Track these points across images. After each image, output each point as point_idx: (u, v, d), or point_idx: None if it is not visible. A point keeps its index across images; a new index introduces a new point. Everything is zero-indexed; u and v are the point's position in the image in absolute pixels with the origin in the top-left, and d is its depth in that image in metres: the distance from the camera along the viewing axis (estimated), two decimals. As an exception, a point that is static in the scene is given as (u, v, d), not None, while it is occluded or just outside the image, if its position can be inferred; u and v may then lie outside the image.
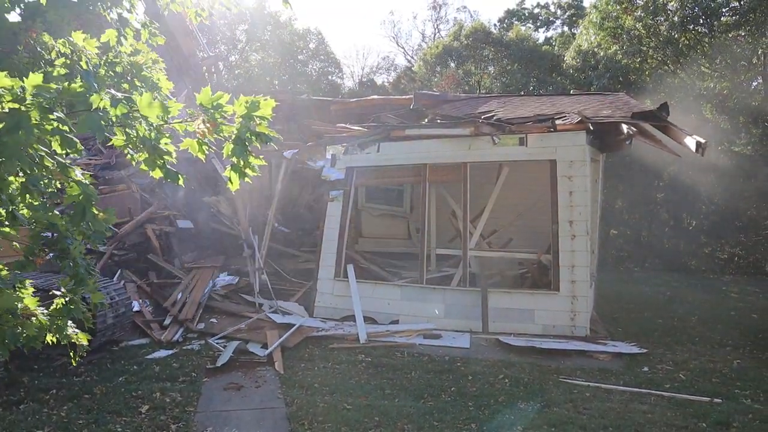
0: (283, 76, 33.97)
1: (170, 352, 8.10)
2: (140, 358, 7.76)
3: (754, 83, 20.46)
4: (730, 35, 19.50)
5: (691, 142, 8.41)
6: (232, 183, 2.64)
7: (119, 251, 10.50)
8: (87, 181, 2.56)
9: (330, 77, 36.03)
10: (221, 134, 2.56)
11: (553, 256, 9.21)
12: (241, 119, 2.55)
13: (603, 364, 7.88)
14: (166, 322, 9.09)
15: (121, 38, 3.34)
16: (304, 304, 10.21)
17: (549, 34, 36.72)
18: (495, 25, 35.70)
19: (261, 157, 2.81)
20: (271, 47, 34.49)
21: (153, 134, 2.30)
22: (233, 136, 2.56)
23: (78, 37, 3.33)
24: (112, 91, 2.43)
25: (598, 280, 12.58)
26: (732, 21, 19.50)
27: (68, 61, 3.20)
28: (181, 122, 2.47)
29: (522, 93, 18.10)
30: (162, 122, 2.41)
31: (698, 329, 9.96)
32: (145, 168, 2.53)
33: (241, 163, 2.55)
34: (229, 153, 2.57)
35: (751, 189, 16.57)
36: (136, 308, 9.16)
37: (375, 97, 16.02)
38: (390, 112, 12.57)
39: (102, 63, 3.55)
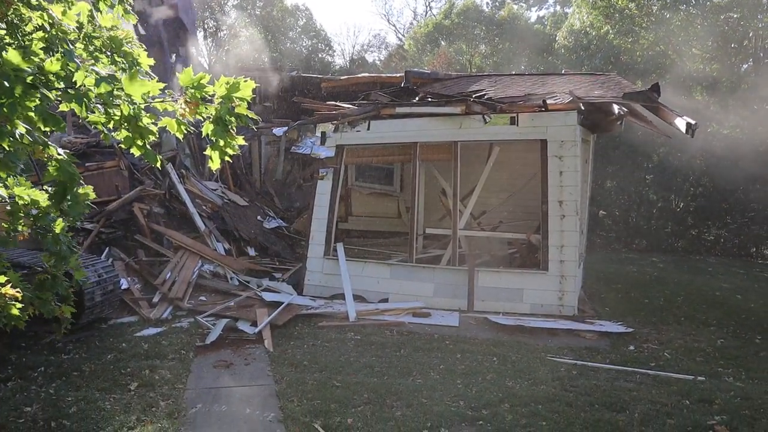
0: (273, 53, 33.56)
1: (159, 329, 8.09)
2: (129, 336, 7.75)
3: (745, 66, 20.47)
4: (721, 17, 19.45)
5: (681, 123, 8.43)
6: (212, 162, 2.61)
7: (107, 229, 10.42)
8: (67, 159, 2.52)
9: (320, 55, 35.67)
10: (201, 114, 2.52)
11: (542, 235, 9.25)
12: (221, 100, 2.52)
13: (590, 342, 7.97)
14: (155, 299, 9.08)
15: (94, 11, 3.23)
16: (294, 283, 10.21)
17: (541, 13, 36.64)
18: (487, 3, 35.43)
19: (242, 136, 2.79)
20: (260, 23, 34.04)
21: (135, 112, 2.26)
22: (213, 117, 2.52)
23: (57, 9, 3.24)
24: (96, 69, 2.37)
25: (587, 260, 12.68)
26: (723, 2, 19.44)
27: (46, 35, 3.10)
28: (162, 101, 2.42)
29: (513, 72, 17.99)
30: (144, 101, 2.37)
31: (684, 309, 10.08)
32: (125, 146, 2.49)
33: (221, 143, 2.52)
34: (209, 133, 2.54)
35: (739, 172, 16.65)
36: (124, 286, 9.12)
37: (365, 75, 15.89)
38: (381, 90, 12.48)
39: (81, 37, 3.46)
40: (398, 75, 14.26)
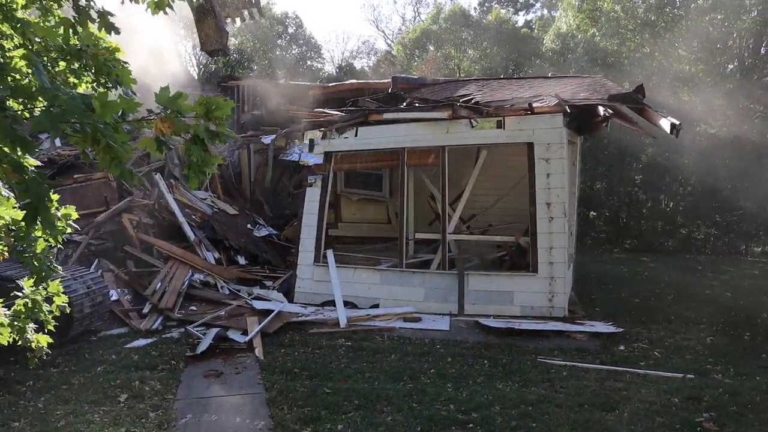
0: (262, 61, 33.58)
1: (149, 340, 8.06)
2: (119, 348, 7.72)
3: (730, 66, 20.68)
4: (706, 18, 19.66)
5: (665, 123, 8.51)
6: (190, 181, 2.62)
7: (96, 240, 10.38)
8: (37, 180, 2.51)
9: (309, 62, 35.73)
10: (180, 134, 2.52)
11: (531, 238, 9.29)
12: (201, 119, 2.52)
13: (580, 343, 8.00)
14: (145, 310, 9.04)
15: (78, 27, 3.23)
16: (285, 291, 10.19)
17: (529, 17, 36.86)
18: (475, 8, 35.66)
19: (222, 156, 2.80)
20: (249, 32, 34.06)
21: (109, 133, 2.25)
22: (191, 135, 2.53)
23: (39, 28, 3.24)
24: (66, 89, 2.37)
25: (577, 261, 12.73)
26: (708, 4, 19.66)
27: (27, 52, 3.11)
28: (140, 121, 2.43)
29: (501, 77, 18.11)
30: (120, 121, 2.37)
31: (674, 308, 10.14)
32: (100, 167, 2.49)
33: (199, 161, 2.52)
34: (186, 152, 2.55)
35: (726, 170, 16.81)
36: (114, 297, 9.09)
37: (353, 81, 15.96)
38: (368, 97, 12.51)
39: (64, 55, 3.46)
40: (386, 81, 14.31)
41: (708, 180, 17.10)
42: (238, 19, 11.37)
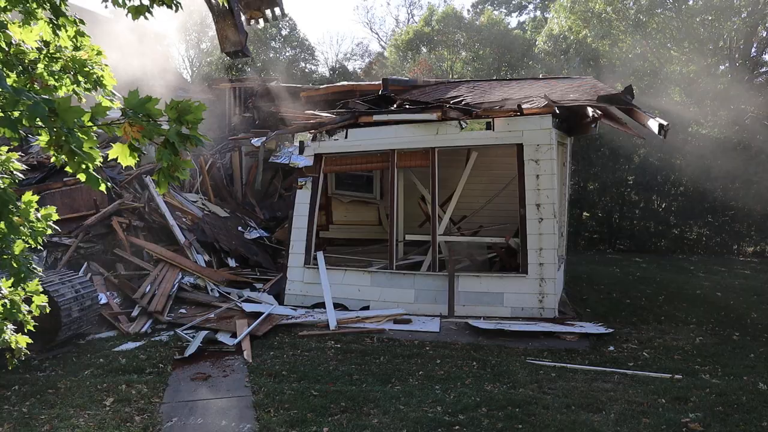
0: (256, 64, 33.55)
1: (138, 343, 8.02)
2: (107, 351, 7.68)
3: (721, 67, 20.78)
4: (697, 19, 19.74)
5: (654, 124, 8.53)
6: (160, 186, 2.59)
7: (85, 244, 10.33)
8: (4, 185, 2.49)
9: (302, 64, 35.71)
10: (151, 138, 2.49)
11: (521, 239, 9.29)
12: (173, 123, 2.50)
13: (570, 344, 8.00)
14: (134, 313, 9.01)
15: (58, 31, 3.21)
16: (275, 293, 10.17)
17: (522, 18, 36.98)
18: (468, 10, 35.74)
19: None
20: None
21: (72, 138, 2.22)
22: (162, 140, 2.50)
23: (15, 30, 3.22)
24: (31, 93, 2.35)
25: (570, 262, 12.74)
26: (698, 5, 19.75)
27: (2, 56, 3.09)
28: (109, 125, 2.40)
29: (493, 78, 18.13)
30: (88, 125, 2.34)
31: (664, 308, 10.17)
32: (70, 170, 2.47)
33: (169, 165, 2.49)
34: (159, 156, 2.52)
35: (718, 170, 16.87)
36: (103, 301, 9.04)
37: (344, 83, 15.94)
38: (359, 99, 12.50)
39: (42, 57, 3.44)
40: (377, 83, 14.29)
41: (700, 180, 17.14)
42: (261, 20, 11.25)
